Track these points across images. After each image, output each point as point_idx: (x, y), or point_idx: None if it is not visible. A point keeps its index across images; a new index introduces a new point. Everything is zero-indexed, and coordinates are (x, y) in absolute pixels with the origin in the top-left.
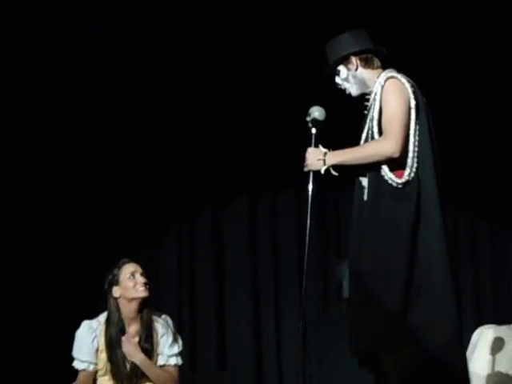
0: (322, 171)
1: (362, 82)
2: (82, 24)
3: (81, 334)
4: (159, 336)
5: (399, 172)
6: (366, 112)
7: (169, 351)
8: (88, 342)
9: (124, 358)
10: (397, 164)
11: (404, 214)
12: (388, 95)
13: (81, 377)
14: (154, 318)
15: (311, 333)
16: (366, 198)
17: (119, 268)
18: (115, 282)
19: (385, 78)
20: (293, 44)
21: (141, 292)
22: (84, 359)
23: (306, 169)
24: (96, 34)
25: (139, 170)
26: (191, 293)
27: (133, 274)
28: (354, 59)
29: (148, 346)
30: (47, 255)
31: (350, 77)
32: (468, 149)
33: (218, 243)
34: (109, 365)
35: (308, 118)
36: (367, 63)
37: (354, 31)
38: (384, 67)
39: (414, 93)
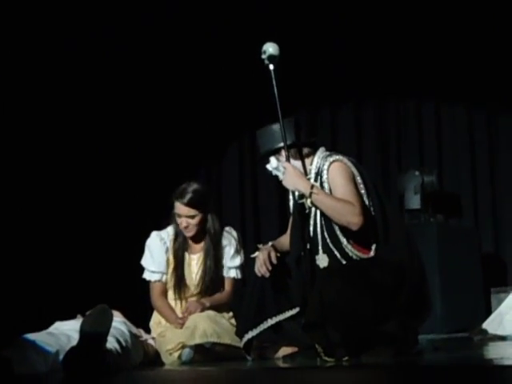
0: (309, 203)
1: None
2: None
3: (153, 245)
4: (222, 247)
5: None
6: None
7: (230, 263)
8: (161, 252)
9: (183, 277)
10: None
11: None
12: (335, 178)
13: (155, 287)
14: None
15: None
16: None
17: (174, 200)
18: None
19: (328, 162)
20: None
21: (186, 233)
22: (157, 270)
23: (284, 183)
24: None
25: (205, 87)
26: (254, 206)
27: (179, 216)
28: (283, 152)
29: (211, 261)
30: (121, 169)
31: (281, 167)
32: None
33: None
34: (173, 279)
35: (264, 56)
36: (298, 154)
37: (285, 122)
38: (315, 151)
39: (355, 165)
